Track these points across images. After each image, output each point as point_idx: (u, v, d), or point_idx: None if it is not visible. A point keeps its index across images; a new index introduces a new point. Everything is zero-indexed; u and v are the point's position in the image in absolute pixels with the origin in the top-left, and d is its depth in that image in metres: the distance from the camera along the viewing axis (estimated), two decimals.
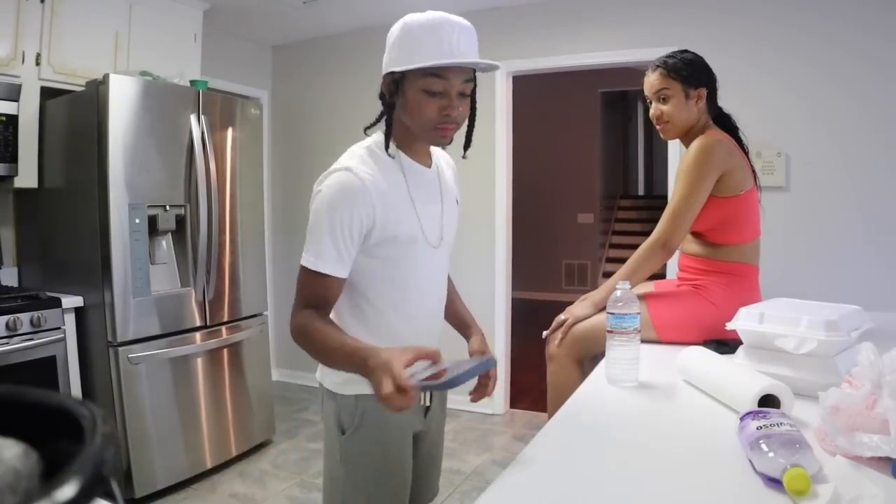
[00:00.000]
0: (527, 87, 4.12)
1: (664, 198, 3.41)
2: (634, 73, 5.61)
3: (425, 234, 1.22)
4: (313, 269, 1.13)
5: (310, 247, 1.13)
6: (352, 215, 1.11)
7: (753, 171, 1.61)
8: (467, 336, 1.38)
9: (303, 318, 1.16)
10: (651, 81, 1.61)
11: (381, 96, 1.19)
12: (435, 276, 1.29)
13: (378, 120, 1.23)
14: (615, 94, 7.59)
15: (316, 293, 1.15)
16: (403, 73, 1.11)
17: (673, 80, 1.57)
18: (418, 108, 1.12)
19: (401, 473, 1.29)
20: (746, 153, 1.62)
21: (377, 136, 1.22)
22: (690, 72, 1.57)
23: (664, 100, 1.59)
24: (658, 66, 1.60)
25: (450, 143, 1.20)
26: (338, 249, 1.12)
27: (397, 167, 1.20)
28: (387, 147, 1.19)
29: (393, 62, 1.14)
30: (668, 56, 1.60)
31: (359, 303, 1.22)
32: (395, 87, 1.14)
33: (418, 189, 1.21)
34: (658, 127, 1.65)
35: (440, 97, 1.11)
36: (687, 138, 1.61)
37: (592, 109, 7.17)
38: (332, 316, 1.20)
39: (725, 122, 1.64)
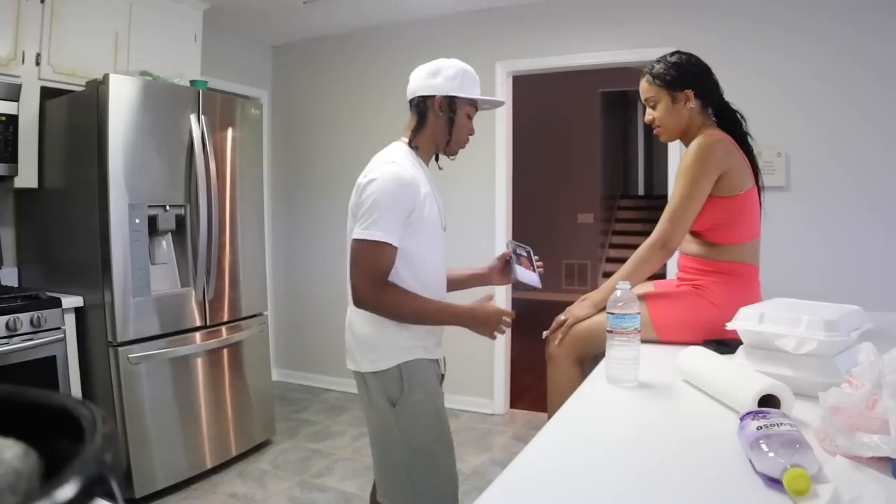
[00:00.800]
0: (527, 87, 4.12)
1: (664, 198, 3.40)
2: (634, 73, 5.58)
3: (441, 219, 1.54)
4: (384, 241, 1.38)
5: (376, 224, 1.38)
6: (405, 198, 1.41)
7: (755, 171, 1.60)
8: (486, 272, 1.74)
9: (390, 291, 1.41)
10: (641, 88, 1.64)
11: (422, 111, 1.53)
12: (442, 255, 1.58)
13: (418, 128, 1.55)
14: (615, 94, 7.59)
15: (386, 262, 1.40)
16: (459, 99, 1.50)
17: (658, 86, 1.58)
18: (461, 127, 1.54)
19: (448, 428, 1.52)
20: (751, 151, 1.61)
21: (400, 144, 1.54)
22: (674, 76, 1.56)
23: (653, 106, 1.61)
24: (645, 72, 1.61)
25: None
26: (398, 225, 1.40)
27: (421, 166, 1.53)
28: (437, 151, 1.57)
29: (455, 89, 1.50)
30: (657, 61, 1.61)
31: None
32: (450, 106, 1.51)
33: (433, 183, 1.54)
34: (654, 131, 1.66)
35: (469, 122, 1.55)
36: (686, 138, 1.61)
37: (592, 109, 7.17)
38: None
39: (730, 119, 1.62)
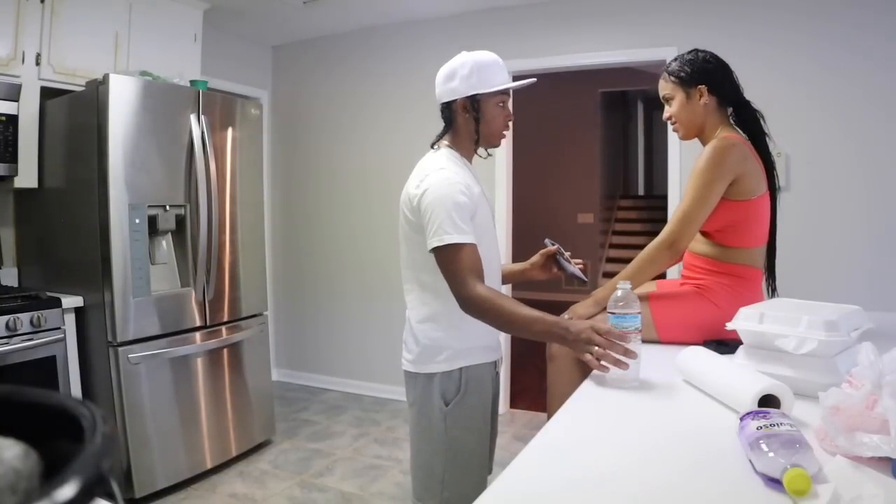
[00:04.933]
0: (527, 87, 4.12)
1: (664, 198, 3.42)
2: (634, 73, 5.62)
3: (492, 215, 1.58)
4: (460, 242, 1.35)
5: (449, 229, 1.36)
6: (466, 199, 1.40)
7: (771, 175, 1.60)
8: (528, 268, 1.73)
9: (484, 290, 1.35)
10: (659, 86, 1.66)
11: (448, 116, 1.53)
12: (497, 251, 1.60)
13: (442, 135, 1.56)
14: (615, 94, 7.59)
15: (475, 261, 1.38)
16: (481, 95, 1.47)
17: (672, 83, 1.61)
18: (494, 119, 1.51)
19: (488, 435, 1.55)
20: (769, 154, 1.61)
21: (442, 149, 1.53)
22: (688, 72, 1.58)
23: (670, 103, 1.63)
24: (663, 70, 1.64)
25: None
26: (467, 224, 1.39)
27: (466, 166, 1.54)
28: (476, 148, 1.57)
29: (472, 87, 1.47)
30: (674, 59, 1.63)
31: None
32: (475, 106, 1.48)
33: (480, 181, 1.56)
34: (672, 128, 1.67)
35: (504, 109, 1.53)
36: (703, 137, 1.61)
37: (592, 109, 7.17)
38: (420, 285, 1.50)
39: (749, 119, 1.61)
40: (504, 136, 1.57)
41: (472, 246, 1.37)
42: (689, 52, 1.62)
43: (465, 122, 1.51)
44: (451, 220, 1.36)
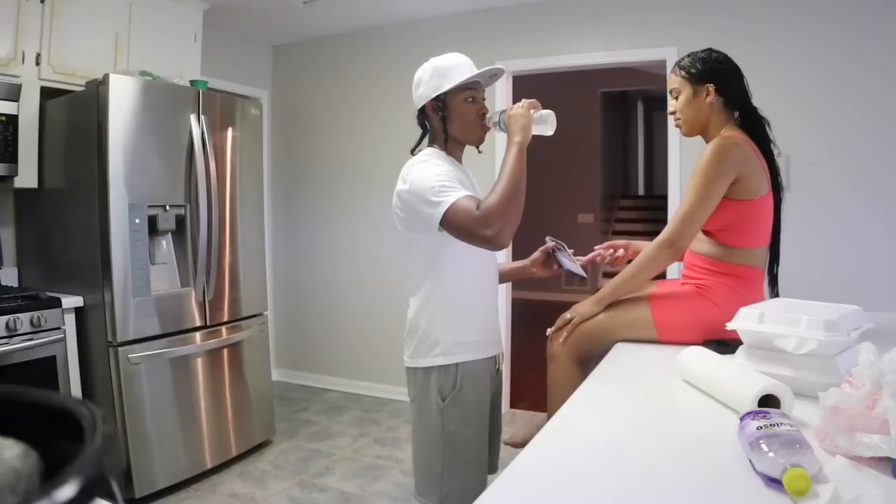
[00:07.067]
0: (527, 87, 4.12)
1: (664, 198, 3.42)
2: (634, 73, 5.62)
3: None
4: (455, 199, 1.36)
5: (444, 195, 1.37)
6: (449, 172, 1.43)
7: (774, 176, 1.60)
8: (528, 265, 1.76)
9: (482, 211, 1.35)
10: (668, 79, 1.66)
11: (423, 122, 1.58)
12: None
13: (420, 140, 1.61)
14: (615, 94, 7.58)
15: (470, 207, 1.37)
16: (446, 94, 1.50)
17: (682, 78, 1.60)
18: (465, 114, 1.53)
19: (486, 431, 1.55)
20: (772, 157, 1.61)
21: (427, 149, 1.56)
22: (698, 69, 1.58)
23: (676, 97, 1.63)
24: (675, 64, 1.64)
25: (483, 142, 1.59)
26: (457, 183, 1.41)
27: (453, 163, 1.54)
28: (444, 149, 1.55)
29: (435, 89, 1.50)
30: (688, 54, 1.63)
31: (441, 271, 1.50)
32: (441, 106, 1.51)
33: (470, 179, 1.58)
34: (674, 123, 1.68)
35: (475, 103, 1.54)
36: (706, 136, 1.61)
37: (592, 109, 7.17)
38: (418, 281, 1.53)
39: (754, 124, 1.61)
40: (482, 130, 1.56)
41: (464, 197, 1.36)
42: (704, 51, 1.61)
43: (438, 124, 1.55)
44: (438, 190, 1.37)
